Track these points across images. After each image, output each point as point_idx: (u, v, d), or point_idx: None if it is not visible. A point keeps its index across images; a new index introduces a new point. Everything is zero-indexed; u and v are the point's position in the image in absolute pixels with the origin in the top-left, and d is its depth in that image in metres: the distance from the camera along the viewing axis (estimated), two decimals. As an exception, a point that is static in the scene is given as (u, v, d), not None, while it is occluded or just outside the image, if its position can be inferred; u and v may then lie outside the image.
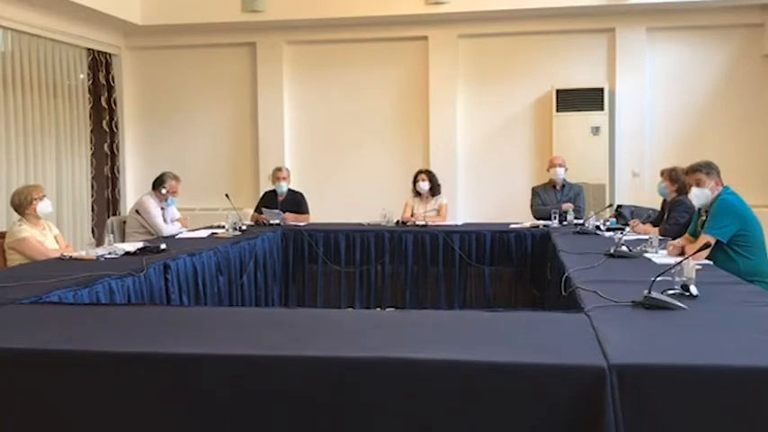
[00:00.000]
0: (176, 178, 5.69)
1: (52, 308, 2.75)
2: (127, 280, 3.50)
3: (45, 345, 2.07)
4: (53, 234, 4.64)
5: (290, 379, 1.87)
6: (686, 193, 4.82)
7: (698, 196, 4.13)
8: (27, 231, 4.36)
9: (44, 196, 4.54)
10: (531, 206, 6.57)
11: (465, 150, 8.12)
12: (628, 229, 5.25)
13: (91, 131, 8.02)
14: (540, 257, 5.51)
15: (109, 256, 4.00)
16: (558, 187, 6.55)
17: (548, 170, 6.61)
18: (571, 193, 6.51)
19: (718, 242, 3.81)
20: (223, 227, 5.73)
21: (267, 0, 7.72)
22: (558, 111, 7.63)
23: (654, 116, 7.80)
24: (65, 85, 7.67)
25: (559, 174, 6.48)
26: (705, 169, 4.08)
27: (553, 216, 5.97)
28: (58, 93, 7.56)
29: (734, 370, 1.74)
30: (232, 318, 2.65)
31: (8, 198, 4.76)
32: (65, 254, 4.10)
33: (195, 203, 7.73)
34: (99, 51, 8.03)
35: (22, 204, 4.46)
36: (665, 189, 5.33)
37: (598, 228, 5.42)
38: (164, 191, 5.59)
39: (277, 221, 6.25)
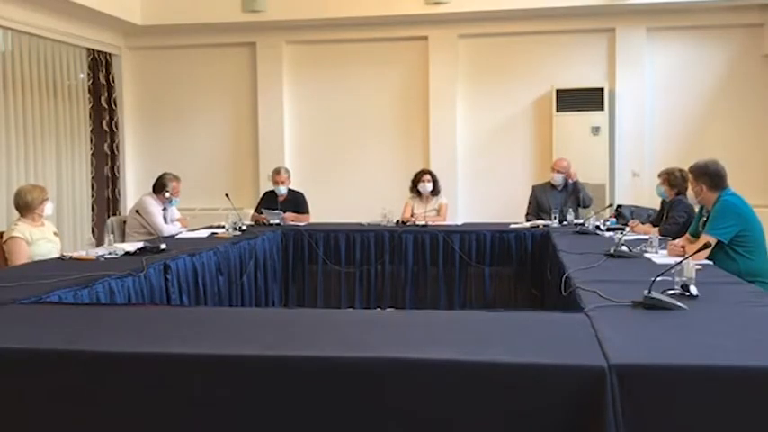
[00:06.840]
0: (177, 179, 5.69)
1: (52, 308, 2.75)
2: (127, 280, 3.50)
3: (45, 345, 2.07)
4: (52, 230, 4.63)
5: (290, 379, 1.86)
6: (685, 193, 4.82)
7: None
8: (19, 232, 4.32)
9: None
10: (528, 205, 6.56)
11: (465, 150, 8.11)
12: (627, 229, 5.25)
13: (91, 131, 8.02)
14: (540, 257, 5.50)
15: (109, 256, 4.00)
16: (557, 188, 6.54)
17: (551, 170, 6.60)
18: (572, 190, 6.48)
19: (718, 242, 3.80)
20: (223, 227, 5.73)
21: (267, 0, 7.72)
22: (558, 111, 7.63)
23: (654, 116, 7.80)
24: (65, 85, 7.66)
25: (557, 180, 6.46)
26: (695, 173, 4.09)
27: (553, 216, 5.98)
28: (58, 93, 7.56)
29: (734, 370, 1.74)
30: (232, 318, 2.65)
31: (8, 198, 4.74)
32: (65, 254, 4.10)
33: (195, 203, 7.72)
34: (99, 51, 8.03)
35: (30, 205, 4.42)
36: (665, 192, 5.33)
37: (598, 228, 5.42)
38: (167, 194, 5.58)
39: (277, 221, 6.25)
